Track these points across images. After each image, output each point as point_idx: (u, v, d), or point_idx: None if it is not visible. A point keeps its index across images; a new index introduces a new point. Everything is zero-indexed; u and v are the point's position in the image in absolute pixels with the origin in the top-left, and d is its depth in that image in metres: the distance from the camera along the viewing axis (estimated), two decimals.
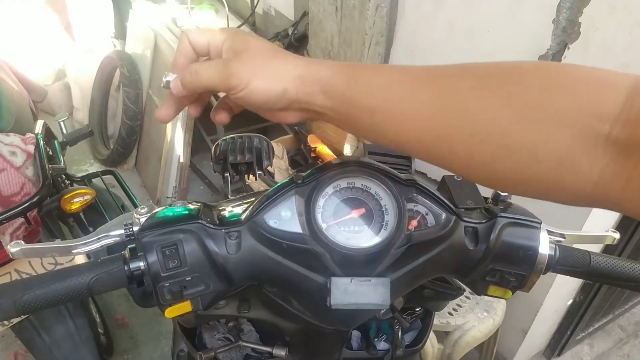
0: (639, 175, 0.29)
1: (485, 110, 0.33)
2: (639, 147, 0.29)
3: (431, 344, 1.24)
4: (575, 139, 0.31)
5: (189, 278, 0.45)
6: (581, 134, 0.30)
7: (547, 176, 0.32)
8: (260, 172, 0.65)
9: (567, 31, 1.12)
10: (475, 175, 0.36)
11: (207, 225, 0.47)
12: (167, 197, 2.38)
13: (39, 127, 1.28)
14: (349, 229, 0.47)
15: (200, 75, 0.41)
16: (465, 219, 0.50)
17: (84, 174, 1.63)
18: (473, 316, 1.29)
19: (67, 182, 1.44)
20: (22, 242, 0.48)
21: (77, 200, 1.23)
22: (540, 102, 0.32)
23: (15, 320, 1.21)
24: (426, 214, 0.49)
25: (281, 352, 0.63)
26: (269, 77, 0.40)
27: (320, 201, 0.47)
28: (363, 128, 0.40)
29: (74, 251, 0.48)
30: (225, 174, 0.64)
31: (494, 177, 0.35)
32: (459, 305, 1.33)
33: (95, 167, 2.74)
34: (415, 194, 0.49)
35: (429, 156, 0.38)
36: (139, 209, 0.48)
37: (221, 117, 0.47)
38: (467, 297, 1.35)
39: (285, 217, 0.47)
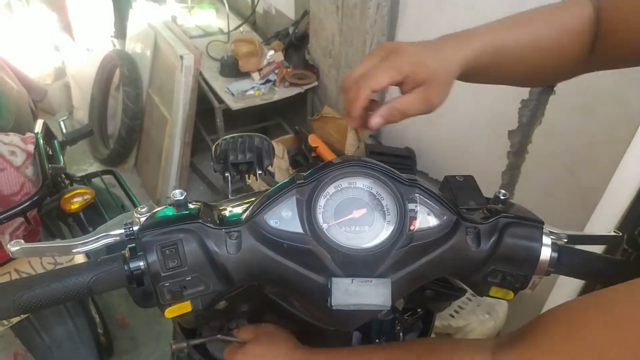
0: None
1: None
2: None
3: None
4: None
5: (189, 278, 0.45)
6: None
7: None
8: (260, 171, 0.65)
9: None
10: None
11: (208, 225, 0.46)
12: (167, 197, 2.37)
13: (38, 126, 1.27)
14: (350, 229, 0.47)
15: (408, 112, 0.54)
16: (467, 219, 0.50)
17: (83, 173, 1.63)
18: (474, 318, 1.28)
19: (67, 181, 1.44)
20: (22, 241, 0.47)
21: (76, 200, 1.23)
22: None
23: (15, 320, 1.21)
24: (428, 214, 0.48)
25: None
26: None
27: (321, 201, 0.47)
28: None
29: (73, 251, 0.48)
30: (226, 174, 0.64)
31: None
32: (460, 307, 1.32)
33: (95, 167, 2.74)
34: (417, 194, 0.48)
35: None
36: (139, 209, 0.48)
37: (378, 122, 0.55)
38: (469, 299, 1.34)
39: (285, 217, 0.47)
